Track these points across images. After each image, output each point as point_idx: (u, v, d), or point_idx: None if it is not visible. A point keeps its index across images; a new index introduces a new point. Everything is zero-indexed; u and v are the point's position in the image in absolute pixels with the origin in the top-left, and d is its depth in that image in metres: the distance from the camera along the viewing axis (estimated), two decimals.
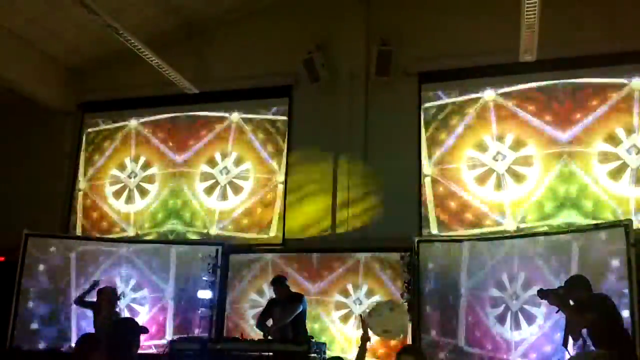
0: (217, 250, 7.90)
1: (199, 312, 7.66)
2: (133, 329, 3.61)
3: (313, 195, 8.34)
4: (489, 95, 8.09)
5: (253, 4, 9.07)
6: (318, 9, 8.81)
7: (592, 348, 4.75)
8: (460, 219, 7.82)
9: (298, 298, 6.52)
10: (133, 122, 9.64)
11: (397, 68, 8.24)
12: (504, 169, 7.82)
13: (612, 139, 7.41)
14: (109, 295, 6.71)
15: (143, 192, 9.27)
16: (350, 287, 7.64)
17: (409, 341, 6.90)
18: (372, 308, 5.33)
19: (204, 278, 7.73)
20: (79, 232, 9.28)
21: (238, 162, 8.99)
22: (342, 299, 7.62)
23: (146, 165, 9.39)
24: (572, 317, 4.84)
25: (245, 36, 9.11)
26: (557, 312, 5.04)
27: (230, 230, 8.72)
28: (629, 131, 7.37)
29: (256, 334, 6.61)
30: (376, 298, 7.37)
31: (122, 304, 7.58)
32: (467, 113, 8.14)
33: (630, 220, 6.11)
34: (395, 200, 7.98)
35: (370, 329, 4.69)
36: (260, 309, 7.04)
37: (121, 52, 8.51)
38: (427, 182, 8.08)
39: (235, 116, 9.18)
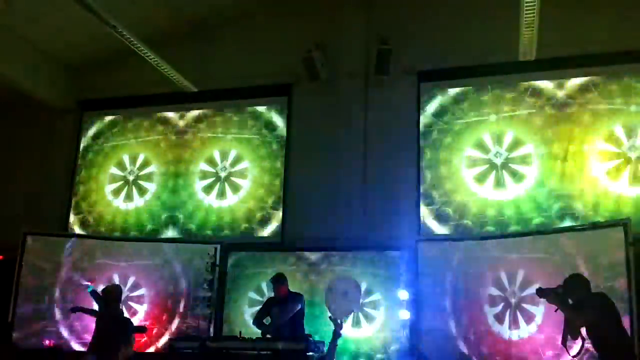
0: (215, 249, 7.89)
1: (198, 310, 7.64)
2: (126, 328, 3.60)
3: (312, 193, 8.33)
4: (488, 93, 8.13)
5: (252, 3, 9.06)
6: (318, 8, 8.81)
7: (591, 347, 4.78)
8: (459, 218, 7.83)
9: (297, 297, 6.53)
10: (132, 120, 9.65)
11: (396, 67, 8.24)
12: (502, 167, 7.82)
13: (612, 138, 7.43)
14: (114, 295, 6.74)
15: (142, 190, 9.27)
16: None
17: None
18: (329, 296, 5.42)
19: (202, 276, 7.72)
20: (77, 230, 9.27)
21: (237, 160, 8.99)
22: None
23: (145, 164, 9.39)
24: (571, 316, 4.85)
25: (244, 34, 9.11)
26: (555, 310, 5.05)
27: (229, 229, 8.73)
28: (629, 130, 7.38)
29: (254, 333, 6.60)
30: None
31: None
32: (466, 111, 8.15)
33: (629, 219, 6.11)
34: (394, 198, 7.98)
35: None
36: (259, 306, 7.05)
37: (120, 51, 8.51)
38: (426, 180, 8.08)
39: (234, 114, 9.18)
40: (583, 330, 4.82)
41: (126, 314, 7.41)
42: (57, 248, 8.15)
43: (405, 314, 7.08)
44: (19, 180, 9.56)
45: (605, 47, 7.54)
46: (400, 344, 7.18)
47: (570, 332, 4.89)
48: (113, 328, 3.64)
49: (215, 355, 6.10)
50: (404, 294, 7.10)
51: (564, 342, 4.94)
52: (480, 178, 7.88)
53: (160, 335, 7.82)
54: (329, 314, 6.04)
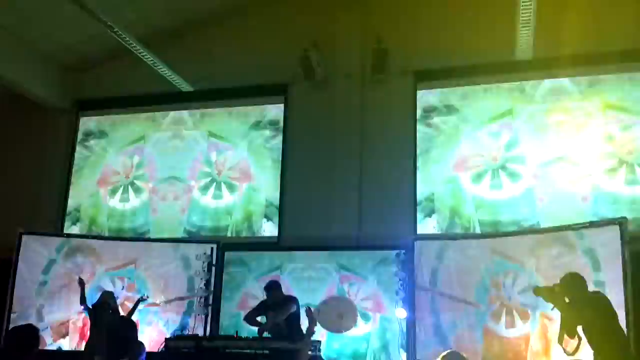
0: (212, 248, 7.87)
1: (194, 309, 7.63)
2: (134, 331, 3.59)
3: (308, 193, 8.33)
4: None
5: (248, 2, 9.04)
6: (314, 7, 8.80)
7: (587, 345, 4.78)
8: (456, 217, 7.82)
9: (292, 300, 6.46)
10: (128, 119, 9.63)
11: (393, 66, 8.24)
12: (500, 167, 7.83)
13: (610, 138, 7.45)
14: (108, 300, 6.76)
15: (138, 190, 9.25)
16: None
17: None
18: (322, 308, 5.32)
19: (199, 276, 7.70)
20: (73, 230, 9.25)
21: (233, 159, 8.97)
22: None
23: (141, 164, 9.37)
24: (567, 315, 4.85)
25: (241, 34, 9.09)
26: (552, 309, 5.05)
27: (226, 228, 8.71)
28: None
29: (250, 332, 6.57)
30: None
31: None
32: (462, 110, 8.16)
33: (625, 219, 6.12)
34: (390, 197, 7.98)
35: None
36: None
37: (117, 50, 8.50)
38: (422, 179, 8.08)
39: (230, 113, 9.17)
40: (579, 329, 4.82)
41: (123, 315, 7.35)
42: (53, 248, 8.11)
43: (402, 313, 7.07)
44: (15, 180, 9.52)
45: (604, 46, 7.54)
46: (397, 343, 7.17)
47: (567, 331, 4.88)
48: (121, 332, 3.59)
49: (211, 355, 6.08)
50: (401, 313, 7.09)
51: (560, 341, 4.94)
52: (477, 178, 7.87)
53: (156, 335, 7.79)
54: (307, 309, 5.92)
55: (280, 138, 8.83)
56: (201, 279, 7.68)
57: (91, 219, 9.33)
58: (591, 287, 5.40)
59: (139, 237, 8.80)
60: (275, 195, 8.62)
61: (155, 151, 9.37)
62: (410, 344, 7.09)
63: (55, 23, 8.59)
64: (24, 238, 8.01)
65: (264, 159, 8.86)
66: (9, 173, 9.63)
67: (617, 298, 5.53)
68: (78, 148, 9.72)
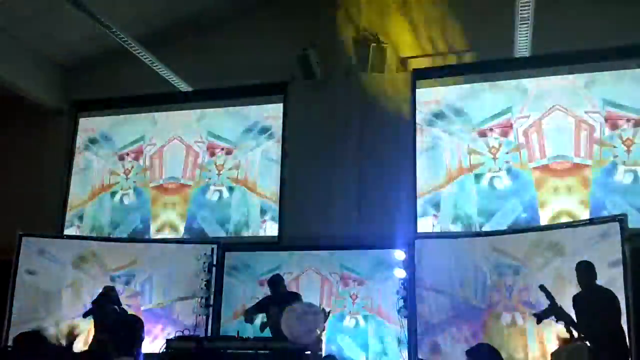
0: (212, 249, 7.87)
1: (195, 310, 7.62)
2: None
3: (308, 192, 8.32)
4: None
5: (247, 1, 9.03)
6: (312, 6, 8.77)
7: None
8: (456, 216, 7.83)
9: (296, 299, 6.46)
10: (126, 120, 9.62)
11: (391, 64, 8.23)
12: (499, 165, 7.83)
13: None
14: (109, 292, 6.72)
15: (137, 191, 9.24)
16: None
17: None
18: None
19: (199, 277, 7.69)
20: (73, 231, 9.24)
21: (232, 160, 8.96)
22: None
23: (140, 164, 9.35)
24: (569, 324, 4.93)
25: (239, 33, 9.07)
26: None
27: (226, 228, 8.71)
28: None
29: (252, 333, 6.58)
30: None
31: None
32: (461, 108, 8.15)
33: (625, 215, 6.12)
34: (390, 196, 7.98)
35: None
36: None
37: (115, 50, 8.47)
38: (423, 177, 8.08)
39: (229, 112, 9.16)
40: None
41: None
42: (53, 249, 8.10)
43: (402, 312, 7.07)
44: (14, 181, 9.51)
45: (603, 42, 7.54)
46: (397, 343, 7.18)
47: (573, 326, 4.97)
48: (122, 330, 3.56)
49: (212, 355, 6.08)
50: (402, 312, 7.09)
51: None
52: (476, 176, 7.87)
53: (157, 336, 7.79)
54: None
55: (279, 137, 8.82)
56: (202, 279, 7.67)
57: (91, 220, 9.31)
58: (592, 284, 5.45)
59: (140, 238, 8.79)
60: (275, 195, 8.61)
61: (154, 151, 9.35)
62: (411, 344, 7.09)
63: (52, 24, 8.56)
64: (24, 240, 8.00)
65: (263, 158, 8.85)
66: (9, 174, 9.61)
67: (617, 295, 5.55)
68: (77, 149, 9.71)
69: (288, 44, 8.49)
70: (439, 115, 8.24)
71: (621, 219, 6.05)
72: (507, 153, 7.84)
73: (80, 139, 9.75)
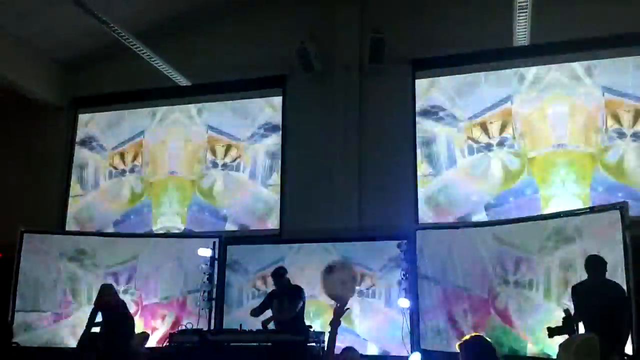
0: (214, 243, 7.88)
1: (198, 304, 7.65)
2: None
3: (309, 184, 8.33)
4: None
5: None
6: None
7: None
8: (457, 206, 7.83)
9: (298, 293, 6.40)
10: (126, 115, 9.62)
11: (390, 56, 8.21)
12: (500, 154, 7.83)
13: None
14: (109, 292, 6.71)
15: (138, 186, 9.26)
16: None
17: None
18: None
19: (202, 271, 7.71)
20: (74, 227, 9.26)
21: (234, 153, 8.97)
22: None
23: (141, 159, 9.36)
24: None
25: (237, 27, 9.06)
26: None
27: (228, 222, 8.72)
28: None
29: (255, 326, 6.59)
30: None
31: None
32: (461, 99, 8.14)
33: (626, 203, 6.11)
34: (391, 187, 7.98)
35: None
36: (258, 299, 7.07)
37: (113, 46, 8.45)
38: (422, 169, 8.08)
39: (229, 106, 9.16)
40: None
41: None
42: (55, 245, 8.12)
43: (404, 302, 7.08)
44: (15, 178, 9.52)
45: (602, 30, 7.52)
46: (400, 333, 7.20)
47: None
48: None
49: (216, 348, 6.11)
50: (404, 303, 7.09)
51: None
52: (477, 165, 7.87)
53: (160, 329, 7.82)
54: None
55: (279, 130, 8.81)
56: (204, 273, 7.68)
57: (92, 216, 9.33)
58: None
59: (141, 233, 8.81)
60: (276, 188, 8.62)
61: (155, 146, 9.36)
62: (413, 334, 7.11)
63: (51, 21, 8.55)
64: (26, 236, 8.02)
65: (263, 151, 8.85)
66: (9, 172, 9.62)
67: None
68: (77, 145, 9.72)
69: (287, 37, 8.48)
70: (438, 106, 8.23)
71: (622, 207, 6.04)
72: (506, 142, 7.84)
73: (80, 135, 9.75)
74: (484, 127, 7.97)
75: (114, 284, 7.64)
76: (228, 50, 9.00)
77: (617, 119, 7.44)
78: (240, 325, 6.59)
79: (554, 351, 6.01)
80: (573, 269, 6.21)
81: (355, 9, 8.66)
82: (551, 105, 7.74)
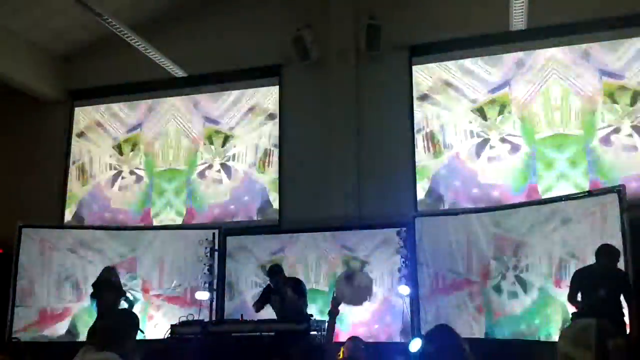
0: (213, 234, 7.89)
1: (199, 295, 7.66)
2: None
3: (307, 174, 8.32)
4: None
5: None
6: None
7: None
8: (454, 192, 7.84)
9: (297, 288, 6.34)
10: (123, 107, 9.59)
11: (386, 42, 8.17)
12: (497, 139, 7.82)
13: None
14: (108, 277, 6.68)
15: (137, 179, 9.25)
16: None
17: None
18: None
19: (202, 262, 7.72)
20: (73, 221, 9.25)
21: (231, 143, 8.95)
22: None
23: (138, 151, 9.35)
24: None
25: (232, 16, 8.99)
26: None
27: (226, 213, 8.72)
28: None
29: (255, 316, 6.61)
30: None
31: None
32: (458, 84, 8.12)
33: (623, 186, 6.13)
34: (389, 175, 7.98)
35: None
36: (259, 289, 7.08)
37: (108, 38, 8.41)
38: (420, 155, 8.08)
39: (225, 97, 9.13)
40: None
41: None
42: (53, 239, 8.12)
43: (404, 290, 7.10)
44: (13, 173, 9.49)
45: (599, 13, 7.48)
46: (400, 321, 7.22)
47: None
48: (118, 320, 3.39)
49: (217, 339, 6.13)
50: (404, 290, 7.10)
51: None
52: (475, 150, 7.87)
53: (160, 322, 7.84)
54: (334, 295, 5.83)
55: (276, 120, 8.79)
56: (204, 264, 7.69)
57: (90, 209, 9.32)
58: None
59: (140, 226, 8.81)
60: (274, 178, 8.61)
61: (152, 138, 9.34)
62: (414, 321, 7.14)
63: (45, 13, 8.49)
64: (24, 231, 8.01)
65: (260, 141, 8.83)
66: (6, 166, 9.59)
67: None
68: (74, 138, 9.69)
69: (282, 25, 8.43)
70: (436, 92, 8.20)
71: (619, 190, 6.06)
72: (505, 127, 7.82)
73: (77, 128, 9.72)
74: (481, 113, 7.96)
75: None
76: (223, 41, 8.94)
77: (614, 102, 7.42)
78: (242, 315, 6.61)
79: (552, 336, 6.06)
80: (571, 253, 6.24)
81: None
82: (549, 90, 7.72)
